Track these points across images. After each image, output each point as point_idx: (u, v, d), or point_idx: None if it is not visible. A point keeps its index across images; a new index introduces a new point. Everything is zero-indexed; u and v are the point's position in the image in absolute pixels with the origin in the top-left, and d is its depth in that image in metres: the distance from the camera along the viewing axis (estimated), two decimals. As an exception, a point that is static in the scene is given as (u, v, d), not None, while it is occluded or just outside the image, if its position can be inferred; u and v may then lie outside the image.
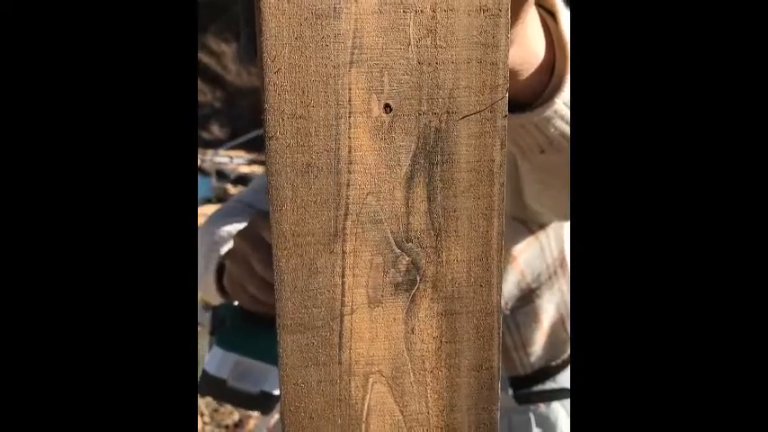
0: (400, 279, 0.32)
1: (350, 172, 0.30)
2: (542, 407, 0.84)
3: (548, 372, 0.85)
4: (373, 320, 0.32)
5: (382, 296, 0.32)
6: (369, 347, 0.32)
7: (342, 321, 0.32)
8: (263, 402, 0.70)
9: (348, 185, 0.30)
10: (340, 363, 0.32)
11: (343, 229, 0.31)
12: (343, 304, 0.32)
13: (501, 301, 0.33)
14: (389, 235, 0.31)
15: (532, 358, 0.83)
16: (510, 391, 0.83)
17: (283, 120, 0.29)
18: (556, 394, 0.84)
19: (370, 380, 0.33)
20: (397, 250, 0.31)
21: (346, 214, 0.30)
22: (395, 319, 0.32)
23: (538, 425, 0.84)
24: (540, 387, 0.84)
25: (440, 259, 0.32)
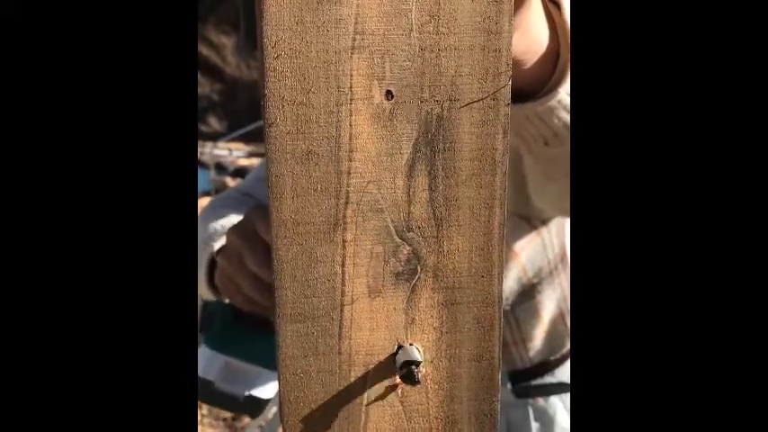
0: (401, 269, 0.31)
1: (350, 160, 0.30)
2: (540, 401, 0.84)
3: (546, 366, 0.84)
4: (373, 310, 0.32)
5: (383, 286, 0.31)
6: (369, 337, 0.32)
7: (342, 311, 0.31)
8: (252, 407, 0.68)
9: (349, 173, 0.30)
10: (340, 353, 0.32)
11: (344, 217, 0.30)
12: (343, 294, 0.31)
13: (502, 291, 0.32)
14: (390, 224, 0.31)
15: (531, 353, 0.83)
16: (508, 385, 0.82)
17: (283, 106, 0.29)
18: (554, 388, 0.84)
19: (371, 370, 0.32)
20: (398, 239, 0.31)
21: (347, 203, 0.30)
22: (395, 309, 0.32)
23: (536, 419, 0.84)
24: (538, 381, 0.84)
25: (441, 249, 0.31)
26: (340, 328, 0.32)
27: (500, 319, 0.33)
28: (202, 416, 2.42)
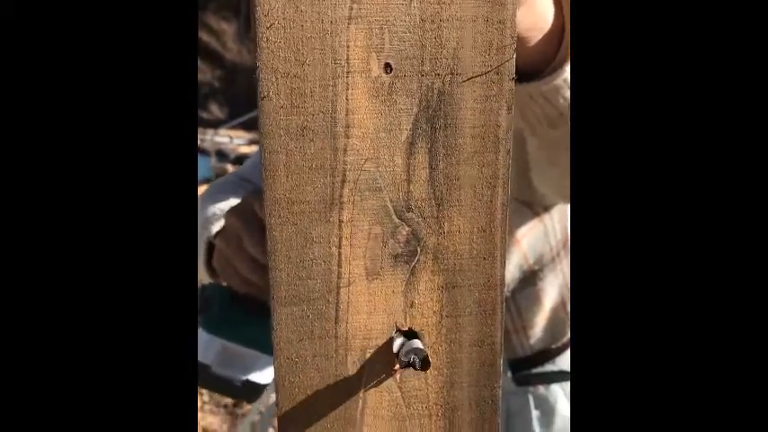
0: (400, 250, 0.30)
1: (347, 136, 0.28)
2: (541, 389, 0.83)
3: (547, 354, 0.84)
4: (371, 293, 0.31)
5: (381, 268, 0.30)
6: (366, 321, 0.31)
7: (338, 294, 0.30)
8: (249, 392, 0.67)
9: (345, 150, 0.29)
10: (336, 336, 0.31)
11: (340, 196, 0.29)
12: (339, 276, 0.30)
13: (505, 274, 0.31)
14: (389, 204, 0.30)
15: (532, 340, 0.82)
16: (509, 373, 0.82)
17: (277, 79, 0.27)
18: (555, 376, 0.83)
19: (368, 355, 0.31)
20: (397, 220, 0.30)
21: (343, 181, 0.29)
22: (394, 291, 0.31)
23: (536, 407, 0.84)
24: (539, 369, 0.83)
25: (441, 230, 0.30)
26: (336, 311, 0.31)
27: (502, 303, 0.32)
28: (203, 402, 2.42)
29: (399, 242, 0.30)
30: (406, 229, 0.30)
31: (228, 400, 2.40)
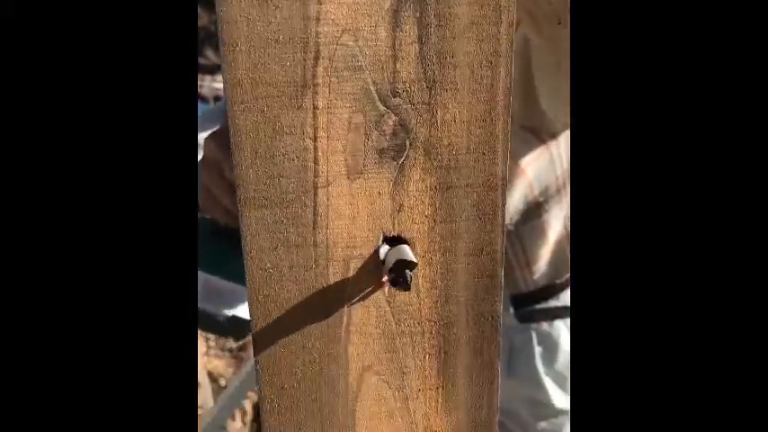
0: (386, 144, 0.26)
1: (320, 2, 0.24)
2: (545, 325, 0.82)
3: (551, 290, 0.81)
4: (354, 195, 0.27)
5: (364, 165, 0.26)
6: (349, 227, 0.27)
7: (316, 195, 0.27)
8: (235, 328, 0.65)
9: (318, 20, 0.24)
10: (315, 245, 0.27)
11: (314, 77, 0.25)
12: (316, 174, 0.26)
13: (506, 173, 0.27)
14: (371, 87, 0.25)
15: (536, 276, 0.79)
16: (511, 310, 0.80)
17: (232, -74, 0.23)
18: (559, 312, 0.81)
19: (352, 265, 0.28)
20: (382, 107, 0.26)
21: (317, 58, 0.24)
22: (380, 193, 0.27)
23: (539, 343, 0.82)
24: (542, 305, 0.81)
25: (434, 119, 0.26)
26: (314, 215, 0.27)
27: (503, 206, 0.28)
28: (208, 348, 2.45)
29: (385, 134, 0.26)
30: (393, 117, 0.26)
31: (233, 344, 2.43)
